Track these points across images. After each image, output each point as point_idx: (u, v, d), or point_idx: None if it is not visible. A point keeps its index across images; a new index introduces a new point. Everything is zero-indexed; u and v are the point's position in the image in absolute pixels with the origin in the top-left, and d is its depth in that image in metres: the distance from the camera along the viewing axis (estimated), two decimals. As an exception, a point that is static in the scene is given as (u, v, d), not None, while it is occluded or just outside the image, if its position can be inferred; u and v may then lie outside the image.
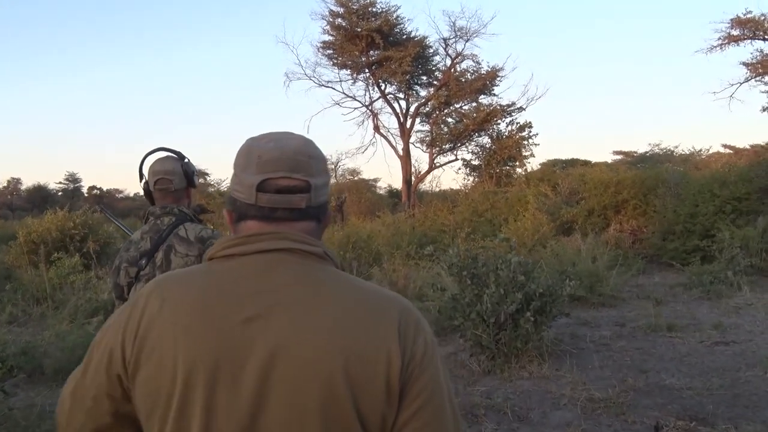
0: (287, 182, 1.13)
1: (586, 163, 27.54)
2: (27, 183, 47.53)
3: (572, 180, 19.33)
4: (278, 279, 1.09)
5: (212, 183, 35.64)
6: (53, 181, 52.59)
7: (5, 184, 46.00)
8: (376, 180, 37.80)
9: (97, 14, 71.88)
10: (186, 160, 2.81)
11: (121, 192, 52.20)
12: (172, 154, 2.81)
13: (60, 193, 47.11)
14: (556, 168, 25.80)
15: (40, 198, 44.24)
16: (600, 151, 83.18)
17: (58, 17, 72.78)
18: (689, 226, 13.46)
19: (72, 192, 48.40)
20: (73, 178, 49.70)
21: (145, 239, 2.68)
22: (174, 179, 2.74)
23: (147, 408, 1.06)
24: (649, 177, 17.04)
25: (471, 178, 29.16)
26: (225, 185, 32.71)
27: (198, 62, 68.34)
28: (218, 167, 60.12)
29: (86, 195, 47.64)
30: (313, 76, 27.70)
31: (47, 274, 9.96)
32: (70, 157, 77.67)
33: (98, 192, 49.37)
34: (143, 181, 2.82)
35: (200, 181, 46.89)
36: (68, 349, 5.99)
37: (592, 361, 6.09)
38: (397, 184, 30.54)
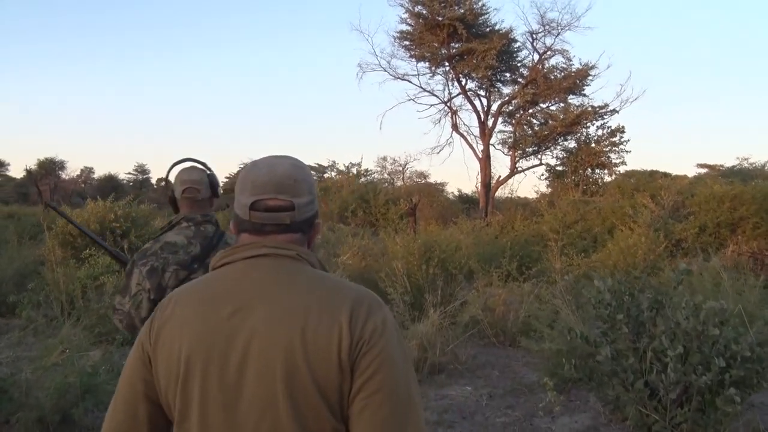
0: (274, 202, 1.35)
1: (666, 175, 25.15)
2: (99, 172, 47.42)
3: (677, 191, 17.00)
4: (256, 278, 1.32)
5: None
6: (123, 171, 52.54)
7: (78, 173, 46.01)
8: (443, 184, 35.80)
9: (173, 8, 72.47)
10: (210, 172, 2.93)
11: (188, 185, 51.89)
12: (199, 165, 2.94)
13: (131, 184, 46.92)
14: (632, 179, 23.50)
15: (110, 187, 43.97)
16: (682, 164, 78.17)
17: (131, 17, 73.74)
18: (834, 252, 11.13)
19: (141, 183, 48.24)
20: (141, 169, 49.52)
21: (194, 244, 2.78)
22: (201, 188, 2.86)
23: (164, 385, 1.30)
24: (775, 192, 14.68)
25: (554, 186, 26.98)
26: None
27: (268, 50, 67.85)
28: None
29: (155, 186, 47.38)
30: (388, 68, 25.94)
31: (78, 273, 8.50)
32: (141, 148, 78.59)
33: (165, 183, 49.04)
34: (169, 189, 2.93)
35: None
36: (52, 392, 4.28)
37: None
38: (467, 188, 28.47)
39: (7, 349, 6.41)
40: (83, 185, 46.08)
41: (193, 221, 2.84)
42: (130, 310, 2.69)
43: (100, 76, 73.80)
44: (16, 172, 45.48)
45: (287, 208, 1.35)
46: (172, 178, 2.93)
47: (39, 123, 71.63)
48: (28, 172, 39.27)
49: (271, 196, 1.34)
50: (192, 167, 2.93)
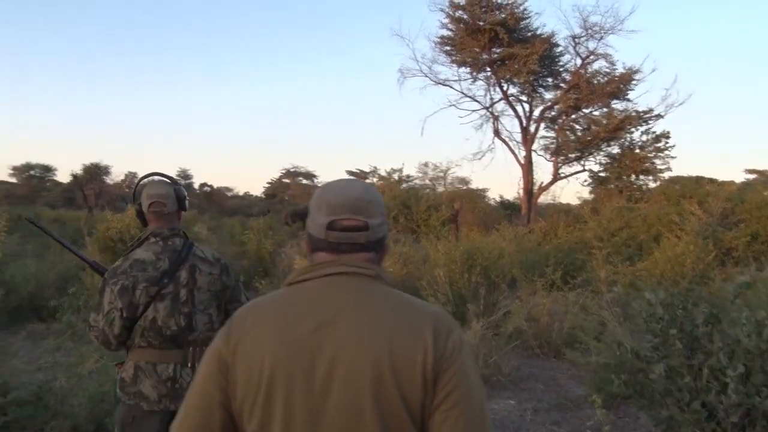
0: (350, 222, 1.40)
1: (712, 181, 24.40)
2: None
3: (725, 198, 16.44)
4: (338, 295, 1.36)
5: (319, 185, 34.74)
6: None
7: (122, 178, 46.68)
8: (485, 190, 35.38)
9: (211, 18, 73.66)
10: (177, 186, 3.02)
11: (231, 190, 52.26)
12: (165, 179, 3.06)
13: (174, 189, 47.35)
14: (678, 185, 22.81)
15: (153, 192, 44.57)
16: (728, 169, 75.54)
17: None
18: None
19: (184, 187, 48.77)
20: (184, 175, 50.02)
21: (162, 259, 2.84)
22: (167, 202, 2.92)
23: (241, 395, 1.32)
24: (831, 198, 14.11)
25: (596, 192, 26.46)
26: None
27: (308, 54, 68.29)
28: (326, 169, 58.98)
29: (197, 191, 47.82)
30: (430, 74, 25.78)
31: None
32: (184, 153, 79.79)
33: (209, 189, 49.50)
34: (136, 203, 3.02)
35: (305, 182, 46.48)
36: (86, 401, 4.24)
37: None
38: (509, 194, 28.00)
39: (46, 354, 6.43)
40: (127, 190, 46.79)
41: (160, 236, 2.91)
42: (104, 328, 2.75)
43: (145, 83, 75.24)
44: (63, 177, 46.38)
45: (362, 228, 1.40)
46: (146, 192, 3.03)
47: (85, 129, 73.28)
48: (74, 177, 40.07)
49: (347, 217, 1.40)
50: (159, 182, 3.04)
